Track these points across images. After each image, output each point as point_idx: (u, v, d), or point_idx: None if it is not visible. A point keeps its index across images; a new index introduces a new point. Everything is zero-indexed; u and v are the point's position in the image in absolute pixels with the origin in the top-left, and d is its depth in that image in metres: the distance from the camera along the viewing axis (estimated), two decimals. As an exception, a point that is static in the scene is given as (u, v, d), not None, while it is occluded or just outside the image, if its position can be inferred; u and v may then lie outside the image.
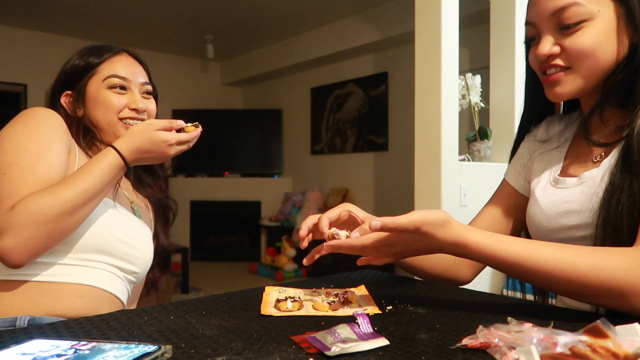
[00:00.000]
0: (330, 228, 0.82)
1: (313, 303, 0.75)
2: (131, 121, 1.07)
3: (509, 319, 0.56)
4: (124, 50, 1.15)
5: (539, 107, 1.00)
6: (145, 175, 1.23)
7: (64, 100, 1.09)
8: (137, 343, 0.54)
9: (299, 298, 0.76)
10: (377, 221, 0.68)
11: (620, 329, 0.53)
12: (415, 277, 1.03)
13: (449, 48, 2.36)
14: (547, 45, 0.83)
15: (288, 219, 5.45)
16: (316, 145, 5.59)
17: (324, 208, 5.02)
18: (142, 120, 1.09)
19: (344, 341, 0.54)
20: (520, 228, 1.02)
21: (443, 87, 2.34)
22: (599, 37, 0.80)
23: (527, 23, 0.88)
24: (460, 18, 2.43)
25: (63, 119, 1.03)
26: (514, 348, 0.49)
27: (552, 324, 0.55)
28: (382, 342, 0.56)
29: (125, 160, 0.92)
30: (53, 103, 1.09)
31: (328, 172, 5.39)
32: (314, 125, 5.62)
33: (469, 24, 3.16)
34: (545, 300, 0.96)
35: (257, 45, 5.69)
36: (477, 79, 2.57)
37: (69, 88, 1.09)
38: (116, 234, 1.00)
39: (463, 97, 2.55)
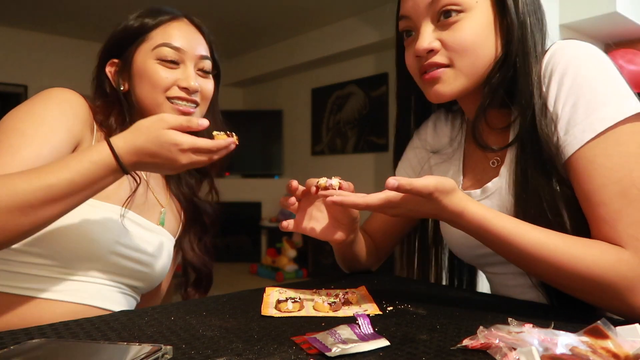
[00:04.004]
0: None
1: (313, 304, 0.75)
2: (180, 102, 0.91)
3: (510, 319, 0.56)
4: (185, 15, 0.97)
5: (414, 111, 1.00)
6: (188, 174, 1.07)
7: (109, 69, 0.94)
8: (137, 344, 0.54)
9: (300, 299, 0.76)
10: (395, 180, 0.66)
11: (621, 329, 0.53)
12: (415, 278, 1.03)
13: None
14: (427, 39, 0.78)
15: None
16: (317, 146, 5.60)
17: (324, 209, 5.02)
18: (194, 102, 0.92)
19: (344, 342, 0.54)
20: (411, 228, 1.04)
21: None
22: (479, 30, 0.77)
23: (402, 17, 0.83)
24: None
25: (103, 95, 0.91)
26: (514, 349, 0.49)
27: (552, 325, 0.55)
28: (383, 342, 0.56)
29: (120, 162, 0.70)
30: (100, 73, 0.95)
31: (328, 172, 5.30)
32: (314, 126, 5.62)
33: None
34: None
35: (258, 46, 5.70)
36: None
37: (117, 55, 0.94)
38: (118, 249, 0.87)
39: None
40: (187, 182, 1.06)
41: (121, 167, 0.71)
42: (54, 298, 0.83)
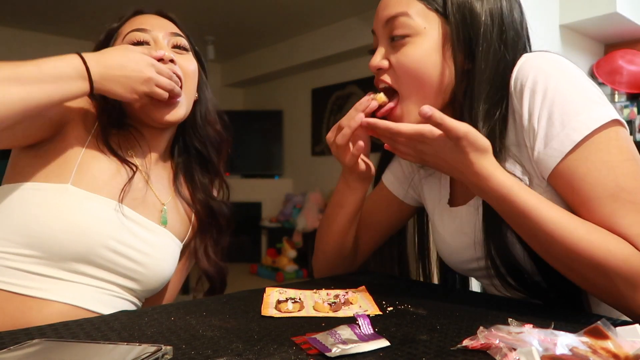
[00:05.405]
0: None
1: (314, 304, 0.75)
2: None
3: (510, 319, 0.56)
4: (157, 11, 0.99)
5: None
6: (202, 174, 1.05)
7: None
8: (137, 344, 0.54)
9: (300, 299, 0.76)
10: (429, 109, 0.67)
11: (621, 330, 0.53)
12: (414, 278, 1.03)
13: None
14: (378, 57, 0.84)
15: (289, 220, 5.45)
16: (317, 146, 5.59)
17: (324, 209, 5.03)
18: (177, 75, 0.89)
19: (344, 342, 0.54)
20: (394, 230, 1.06)
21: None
22: (424, 55, 0.79)
23: (372, 32, 0.88)
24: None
25: (99, 107, 0.92)
26: (514, 349, 0.49)
27: (552, 325, 0.55)
28: (383, 343, 0.56)
29: (89, 70, 0.76)
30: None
31: (329, 173, 5.39)
32: (314, 126, 5.62)
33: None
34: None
35: (258, 47, 5.70)
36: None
37: None
38: (109, 243, 0.83)
39: (463, 98, 2.54)
40: (201, 183, 1.03)
41: (88, 74, 0.76)
42: (42, 297, 0.79)
